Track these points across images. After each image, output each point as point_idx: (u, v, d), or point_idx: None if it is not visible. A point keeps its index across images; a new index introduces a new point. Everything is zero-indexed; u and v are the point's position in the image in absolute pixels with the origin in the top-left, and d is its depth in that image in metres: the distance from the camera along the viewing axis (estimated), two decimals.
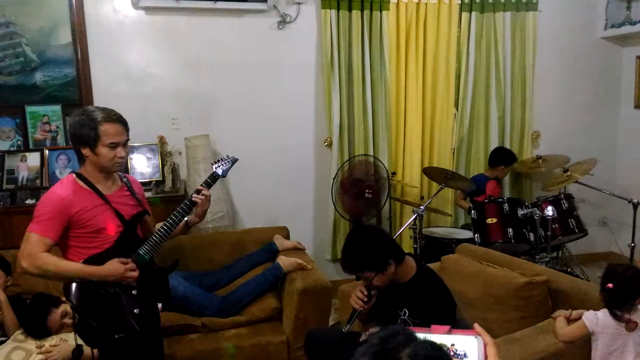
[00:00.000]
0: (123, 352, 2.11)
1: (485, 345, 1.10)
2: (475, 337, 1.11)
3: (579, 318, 2.13)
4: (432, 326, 1.11)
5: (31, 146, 3.58)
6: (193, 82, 3.86)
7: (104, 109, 2.08)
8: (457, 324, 2.20)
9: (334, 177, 3.91)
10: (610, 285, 1.99)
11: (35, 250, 1.95)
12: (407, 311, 2.17)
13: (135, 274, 2.09)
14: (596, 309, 2.13)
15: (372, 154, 4.08)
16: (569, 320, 2.14)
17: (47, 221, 1.98)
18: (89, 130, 2.01)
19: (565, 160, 4.14)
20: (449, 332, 1.12)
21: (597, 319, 2.03)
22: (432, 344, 0.90)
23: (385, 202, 3.95)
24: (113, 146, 2.04)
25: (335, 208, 3.94)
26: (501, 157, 4.14)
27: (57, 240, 2.01)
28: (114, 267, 2.04)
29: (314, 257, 3.73)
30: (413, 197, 4.24)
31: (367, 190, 3.74)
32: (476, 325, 1.13)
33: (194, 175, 3.66)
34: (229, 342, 2.76)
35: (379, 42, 4.01)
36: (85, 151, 2.05)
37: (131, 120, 2.18)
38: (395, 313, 2.19)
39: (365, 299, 2.13)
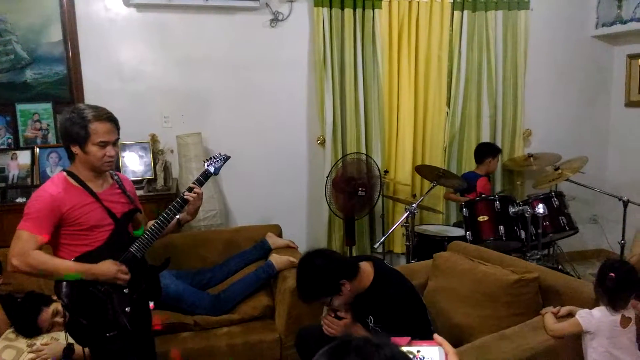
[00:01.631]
0: (114, 350, 2.10)
1: (446, 355, 1.11)
2: (437, 347, 1.12)
3: (567, 314, 2.15)
4: (392, 338, 1.12)
5: (22, 144, 3.55)
6: (185, 79, 3.85)
7: (95, 107, 2.06)
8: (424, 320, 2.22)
9: (327, 176, 3.91)
10: (612, 274, 2.01)
11: (26, 248, 1.94)
12: (372, 318, 2.17)
13: (127, 277, 2.08)
14: (586, 306, 2.14)
15: (364, 152, 4.08)
16: (557, 317, 2.16)
17: (38, 219, 1.97)
18: (79, 128, 2.00)
19: (556, 158, 4.16)
20: (409, 344, 1.13)
21: (593, 317, 2.04)
22: (393, 345, 0.91)
23: (378, 200, 3.97)
24: (103, 145, 2.03)
25: (329, 206, 3.95)
26: (485, 150, 4.17)
27: (48, 237, 2.00)
28: (106, 267, 2.03)
29: None
30: (405, 195, 4.25)
31: (360, 188, 3.75)
32: (436, 336, 1.14)
33: (186, 173, 3.65)
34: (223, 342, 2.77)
35: (371, 40, 4.01)
36: (75, 149, 2.03)
37: (123, 118, 2.17)
38: (364, 322, 2.20)
39: (334, 324, 2.16)
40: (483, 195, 3.83)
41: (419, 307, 2.21)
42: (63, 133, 2.05)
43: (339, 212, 3.96)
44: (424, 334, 2.11)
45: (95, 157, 2.03)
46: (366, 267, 2.21)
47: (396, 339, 1.11)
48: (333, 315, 2.18)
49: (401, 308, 2.11)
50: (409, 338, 1.15)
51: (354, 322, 2.18)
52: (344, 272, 2.11)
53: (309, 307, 2.83)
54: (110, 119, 2.06)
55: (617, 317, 2.03)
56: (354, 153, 4.01)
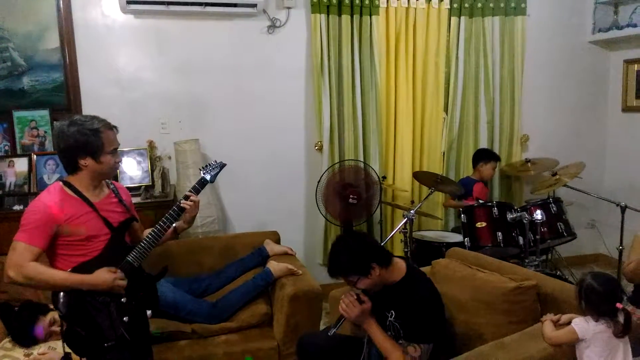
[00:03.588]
0: None
1: None
2: None
3: (568, 322, 2.14)
4: None
5: (19, 151, 3.54)
6: (182, 86, 3.84)
7: (94, 117, 2.08)
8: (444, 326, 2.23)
9: (318, 181, 3.87)
10: (619, 305, 2.00)
11: (22, 259, 1.93)
12: (393, 313, 2.19)
13: (124, 283, 2.07)
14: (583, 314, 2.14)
15: (362, 158, 4.08)
16: (557, 325, 2.15)
17: (34, 230, 1.96)
18: (94, 139, 2.02)
19: (553, 163, 4.17)
20: None
21: (588, 326, 2.04)
22: None
23: (377, 208, 3.95)
24: (114, 152, 2.08)
25: (320, 212, 3.89)
26: (478, 155, 4.17)
27: (44, 249, 1.99)
28: (102, 276, 2.03)
29: (305, 261, 3.72)
30: (403, 201, 4.24)
31: (351, 196, 3.70)
32: None
33: (184, 180, 3.65)
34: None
35: (368, 47, 4.01)
36: (85, 161, 2.03)
37: (120, 124, 2.20)
38: (384, 315, 2.21)
39: (352, 305, 2.14)
40: (480, 201, 3.83)
41: (440, 317, 2.22)
42: (70, 147, 2.02)
43: (333, 218, 3.92)
44: (438, 344, 2.13)
45: (108, 165, 2.08)
46: (400, 263, 2.24)
47: None
48: (356, 297, 2.17)
49: (425, 311, 2.13)
50: None
51: (370, 314, 2.18)
52: (378, 256, 2.14)
53: (309, 313, 2.84)
54: (112, 126, 2.12)
55: (612, 326, 2.02)
56: (351, 160, 3.99)
